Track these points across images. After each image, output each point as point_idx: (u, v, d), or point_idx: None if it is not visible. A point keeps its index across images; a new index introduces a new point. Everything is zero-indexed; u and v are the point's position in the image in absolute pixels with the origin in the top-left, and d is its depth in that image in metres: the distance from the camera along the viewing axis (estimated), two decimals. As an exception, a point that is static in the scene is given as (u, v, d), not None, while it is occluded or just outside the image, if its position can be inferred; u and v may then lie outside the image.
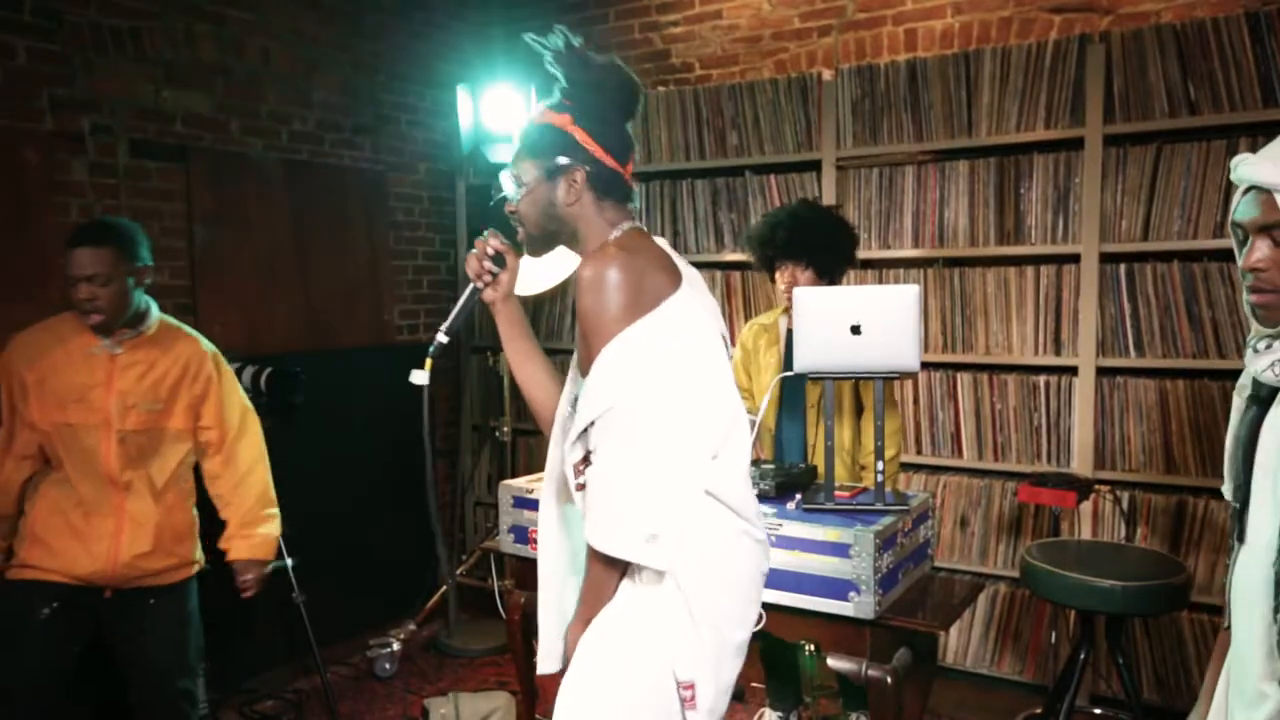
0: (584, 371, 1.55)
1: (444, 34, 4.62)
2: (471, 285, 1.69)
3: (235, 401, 2.63)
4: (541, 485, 1.72)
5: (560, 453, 1.63)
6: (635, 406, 1.46)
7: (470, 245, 1.72)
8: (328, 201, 4.14)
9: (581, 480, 1.54)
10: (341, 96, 4.18)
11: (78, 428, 2.35)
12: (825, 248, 2.81)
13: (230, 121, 3.74)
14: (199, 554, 2.61)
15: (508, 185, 1.66)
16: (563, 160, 1.59)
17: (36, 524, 2.38)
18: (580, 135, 1.59)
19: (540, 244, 1.68)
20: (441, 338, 1.66)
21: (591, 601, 1.54)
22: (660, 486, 1.47)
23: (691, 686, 1.51)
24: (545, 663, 1.68)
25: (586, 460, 1.53)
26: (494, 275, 1.68)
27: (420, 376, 1.66)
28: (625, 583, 1.53)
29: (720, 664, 1.56)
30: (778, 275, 2.85)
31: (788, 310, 2.94)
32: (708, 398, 1.54)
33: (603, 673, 1.50)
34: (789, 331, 2.91)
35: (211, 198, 3.66)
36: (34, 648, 2.36)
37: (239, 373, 3.28)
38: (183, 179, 3.58)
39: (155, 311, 2.51)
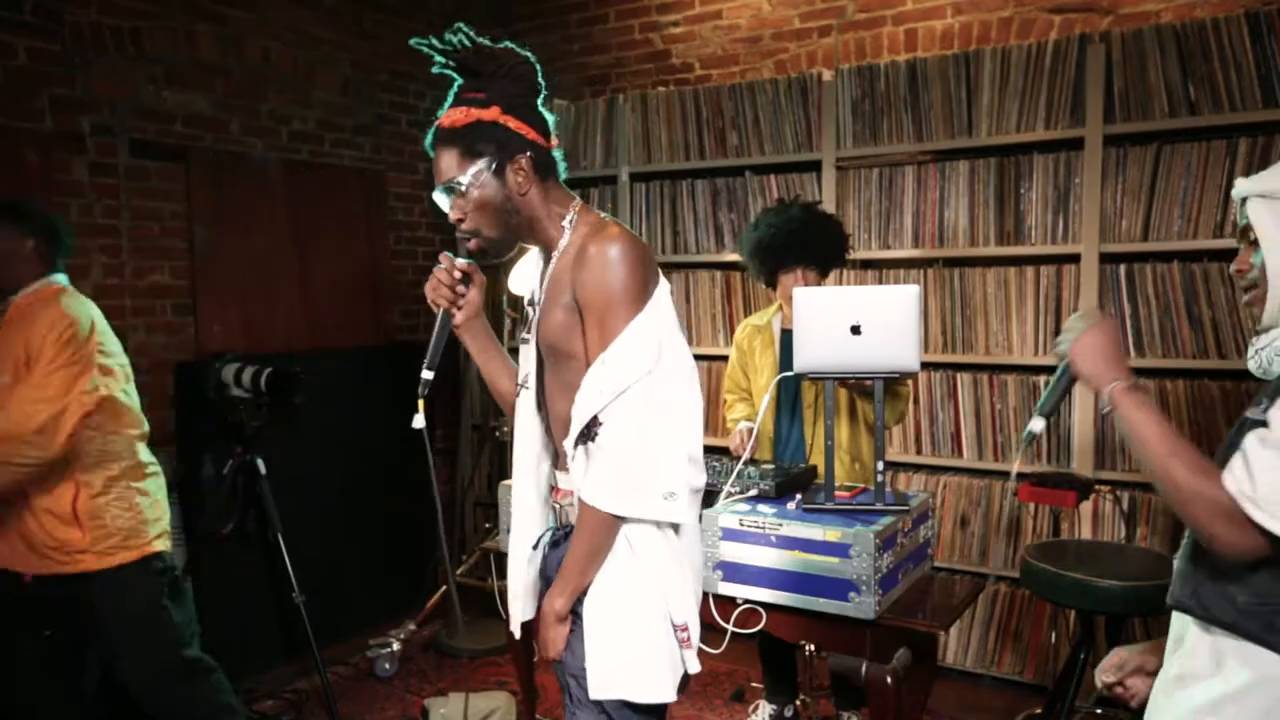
0: (579, 346, 1.61)
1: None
2: (443, 313, 1.68)
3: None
4: (518, 462, 1.76)
5: (536, 425, 1.74)
6: (653, 379, 1.57)
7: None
8: (328, 201, 4.14)
9: (578, 449, 1.61)
10: (341, 96, 4.18)
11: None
12: (832, 247, 2.86)
13: (230, 121, 3.74)
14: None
15: (445, 200, 1.64)
16: (505, 152, 1.60)
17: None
18: (514, 124, 1.62)
19: (504, 244, 1.67)
20: (427, 375, 1.65)
21: (585, 568, 1.61)
22: (672, 449, 1.60)
23: (686, 628, 1.65)
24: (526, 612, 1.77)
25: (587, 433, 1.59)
26: (463, 298, 1.69)
27: (419, 421, 1.65)
28: (624, 543, 1.62)
29: (697, 604, 1.72)
30: (784, 279, 2.85)
31: (781, 309, 2.95)
32: (687, 373, 1.66)
33: (621, 628, 1.61)
34: (784, 332, 2.92)
35: (211, 198, 3.66)
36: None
37: (239, 373, 3.29)
38: (183, 179, 3.58)
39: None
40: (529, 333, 1.72)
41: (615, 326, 1.55)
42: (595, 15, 4.49)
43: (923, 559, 2.44)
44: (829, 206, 3.67)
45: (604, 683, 1.61)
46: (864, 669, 2.14)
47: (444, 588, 4.23)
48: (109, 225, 3.35)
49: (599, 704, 1.62)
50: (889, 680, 2.12)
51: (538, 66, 1.68)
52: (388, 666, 3.81)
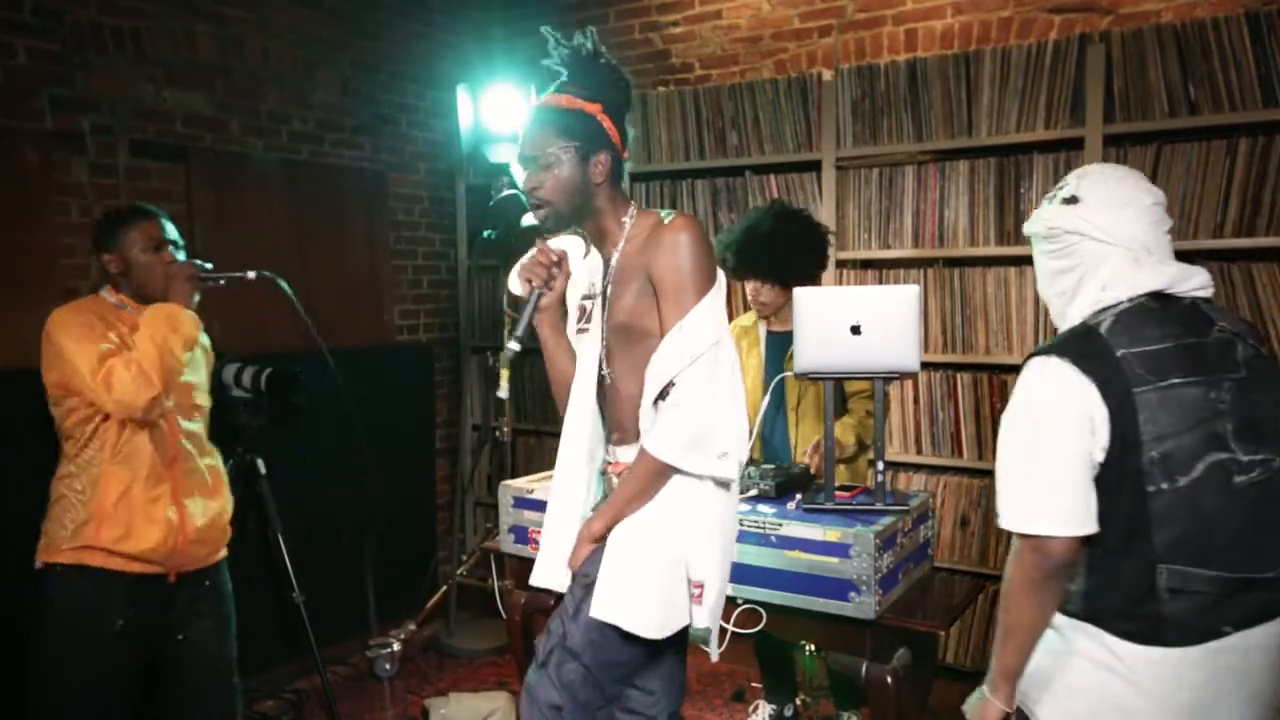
0: (654, 324, 1.79)
1: (444, 34, 4.62)
2: (536, 292, 1.86)
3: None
4: (566, 438, 1.92)
5: (593, 406, 1.91)
6: (720, 350, 1.77)
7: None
8: (328, 201, 4.14)
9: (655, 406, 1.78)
10: (341, 96, 4.18)
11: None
12: (781, 263, 2.76)
13: (230, 121, 3.74)
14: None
15: (522, 169, 1.82)
16: (593, 144, 1.80)
17: (105, 503, 2.26)
18: (607, 124, 1.83)
19: (566, 220, 1.86)
20: (514, 345, 1.81)
21: (629, 503, 1.79)
22: (729, 413, 1.79)
23: (701, 586, 1.79)
24: (553, 579, 1.92)
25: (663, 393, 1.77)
26: (554, 280, 1.87)
27: (503, 390, 1.89)
28: (665, 491, 1.79)
29: (724, 572, 1.85)
30: (747, 286, 2.89)
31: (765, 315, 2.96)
32: (735, 356, 1.87)
33: (634, 562, 1.77)
34: (769, 334, 2.93)
35: (211, 198, 3.66)
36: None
37: (239, 373, 3.29)
38: (183, 179, 3.58)
39: None
40: (587, 322, 1.93)
41: (690, 301, 1.75)
42: (595, 15, 4.49)
43: (923, 559, 2.45)
44: (829, 206, 3.67)
45: (602, 604, 1.75)
46: (864, 669, 2.14)
47: (444, 588, 4.23)
48: (109, 225, 3.35)
49: (591, 623, 1.76)
50: (889, 680, 2.12)
51: (632, 85, 1.91)
52: (388, 666, 3.81)
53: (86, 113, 3.27)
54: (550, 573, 1.92)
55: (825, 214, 3.68)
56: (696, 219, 1.79)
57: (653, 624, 1.75)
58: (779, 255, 2.76)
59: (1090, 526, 1.53)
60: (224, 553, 2.56)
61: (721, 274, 1.82)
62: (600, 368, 1.90)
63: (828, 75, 3.73)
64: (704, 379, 1.74)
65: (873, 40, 3.88)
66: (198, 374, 2.53)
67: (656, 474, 1.78)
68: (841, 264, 3.72)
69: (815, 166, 3.75)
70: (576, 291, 1.99)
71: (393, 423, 4.33)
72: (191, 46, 3.58)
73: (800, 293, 2.37)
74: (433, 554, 4.68)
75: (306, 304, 4.08)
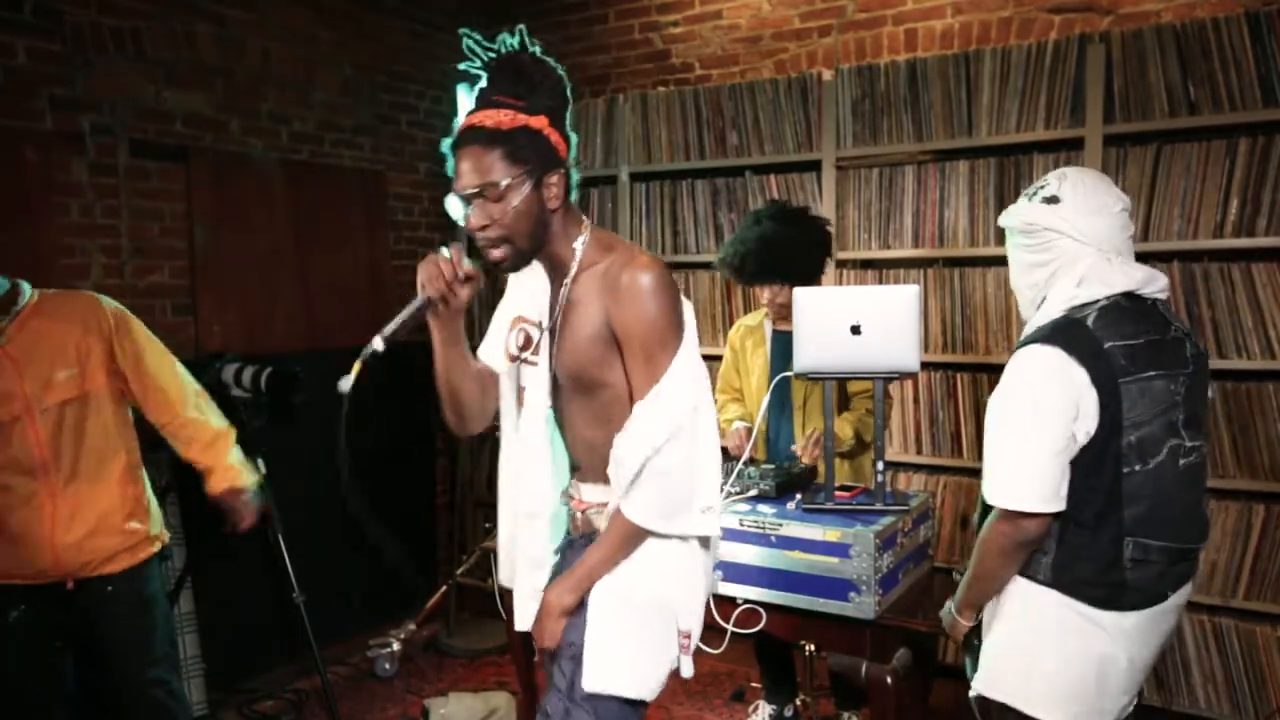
0: (613, 376, 1.62)
1: (444, 34, 4.62)
2: (424, 299, 1.57)
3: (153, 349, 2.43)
4: (523, 475, 1.76)
5: (545, 441, 1.73)
6: (700, 414, 1.62)
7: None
8: (328, 201, 4.14)
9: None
10: (341, 96, 4.18)
11: None
12: (801, 264, 2.79)
13: (230, 121, 3.74)
14: (157, 530, 2.46)
15: (462, 206, 1.57)
16: (544, 165, 1.56)
17: None
18: (555, 138, 1.58)
19: (528, 257, 1.62)
20: (378, 345, 1.54)
21: (599, 568, 1.65)
22: (710, 467, 1.65)
23: (689, 635, 1.71)
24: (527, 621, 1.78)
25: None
26: (455, 297, 1.59)
27: (346, 383, 1.56)
28: (645, 548, 1.66)
29: (703, 615, 1.76)
30: (757, 291, 2.89)
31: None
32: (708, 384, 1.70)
33: (624, 627, 1.65)
34: (775, 333, 2.93)
35: (211, 198, 3.66)
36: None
37: (239, 373, 3.29)
38: (183, 179, 3.58)
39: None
40: (534, 354, 1.70)
41: (663, 359, 1.56)
42: (595, 15, 4.49)
43: (923, 559, 2.45)
44: (829, 206, 3.67)
45: (596, 676, 1.63)
46: (864, 669, 2.14)
47: (444, 588, 4.23)
48: (109, 225, 3.35)
49: (591, 696, 1.64)
50: (889, 680, 2.12)
51: (569, 84, 1.66)
52: (388, 666, 3.81)
53: (86, 113, 3.27)
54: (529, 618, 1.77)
55: (825, 214, 3.68)
56: (658, 258, 1.59)
57: (650, 685, 1.67)
58: (800, 257, 2.78)
59: (1060, 504, 1.68)
60: (136, 558, 2.38)
61: (691, 318, 1.64)
62: (550, 404, 1.72)
63: (828, 75, 3.73)
64: (686, 445, 1.58)
65: (873, 40, 3.88)
66: (59, 368, 2.25)
67: (632, 538, 1.63)
68: (841, 264, 3.72)
69: (815, 166, 3.75)
70: (513, 309, 1.79)
71: (393, 423, 4.33)
72: (191, 46, 3.58)
73: (800, 293, 2.36)
74: (433, 554, 4.68)
75: (306, 304, 4.11)
